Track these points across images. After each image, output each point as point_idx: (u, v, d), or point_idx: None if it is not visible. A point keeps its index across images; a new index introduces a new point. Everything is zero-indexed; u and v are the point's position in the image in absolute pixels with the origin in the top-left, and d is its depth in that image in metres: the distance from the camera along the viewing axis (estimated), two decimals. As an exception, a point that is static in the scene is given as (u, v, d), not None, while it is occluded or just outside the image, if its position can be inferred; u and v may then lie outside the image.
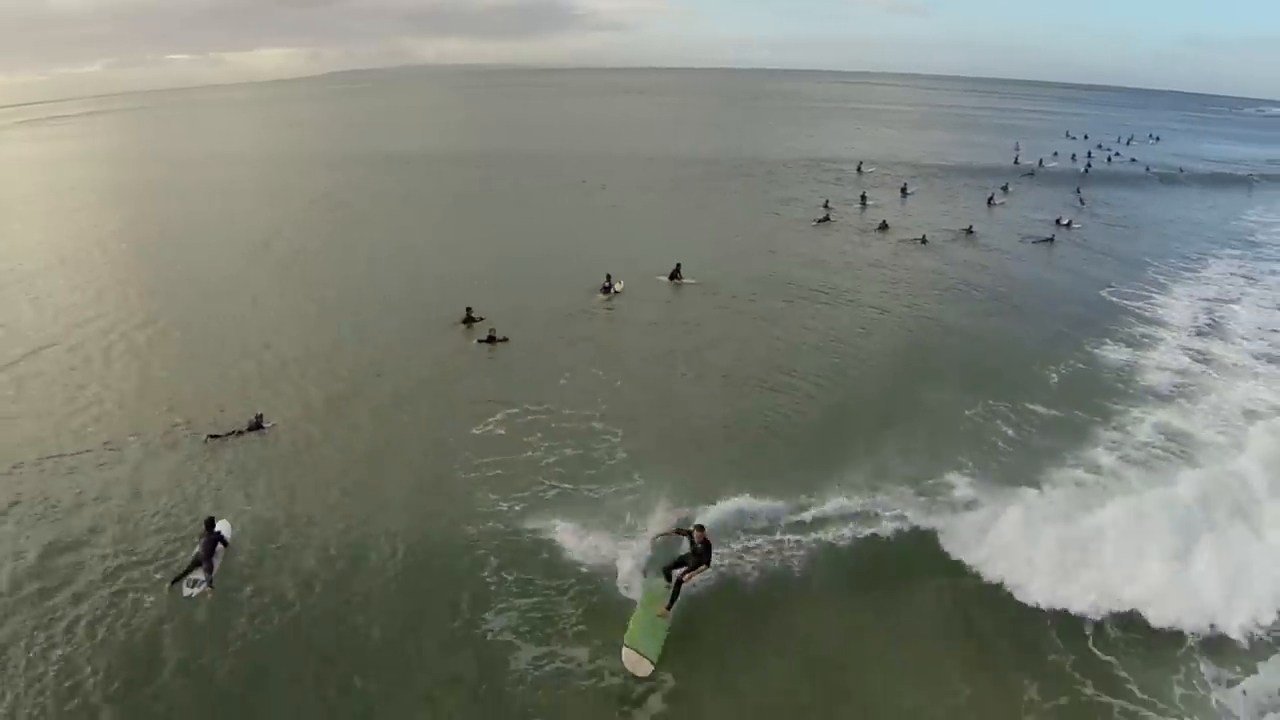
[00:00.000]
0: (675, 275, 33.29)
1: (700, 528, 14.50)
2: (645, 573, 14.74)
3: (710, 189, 56.77)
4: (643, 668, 12.82)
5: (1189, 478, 18.55)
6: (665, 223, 45.98)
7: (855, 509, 16.54)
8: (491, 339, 26.06)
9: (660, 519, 15.82)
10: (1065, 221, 47.10)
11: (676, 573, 14.19)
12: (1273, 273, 39.81)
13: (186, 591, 14.29)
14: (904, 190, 56.53)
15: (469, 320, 27.59)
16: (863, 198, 52.79)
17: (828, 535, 15.84)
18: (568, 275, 33.33)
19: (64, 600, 14.01)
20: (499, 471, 18.26)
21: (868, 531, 15.98)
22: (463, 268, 35.48)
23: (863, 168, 65.56)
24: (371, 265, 36.55)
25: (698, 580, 14.16)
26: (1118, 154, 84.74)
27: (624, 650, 12.97)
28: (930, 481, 17.77)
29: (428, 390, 22.96)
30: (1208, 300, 34.22)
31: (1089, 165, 74.55)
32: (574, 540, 15.43)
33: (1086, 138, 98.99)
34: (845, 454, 18.90)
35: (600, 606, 14.00)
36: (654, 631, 13.38)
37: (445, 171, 63.94)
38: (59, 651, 12.80)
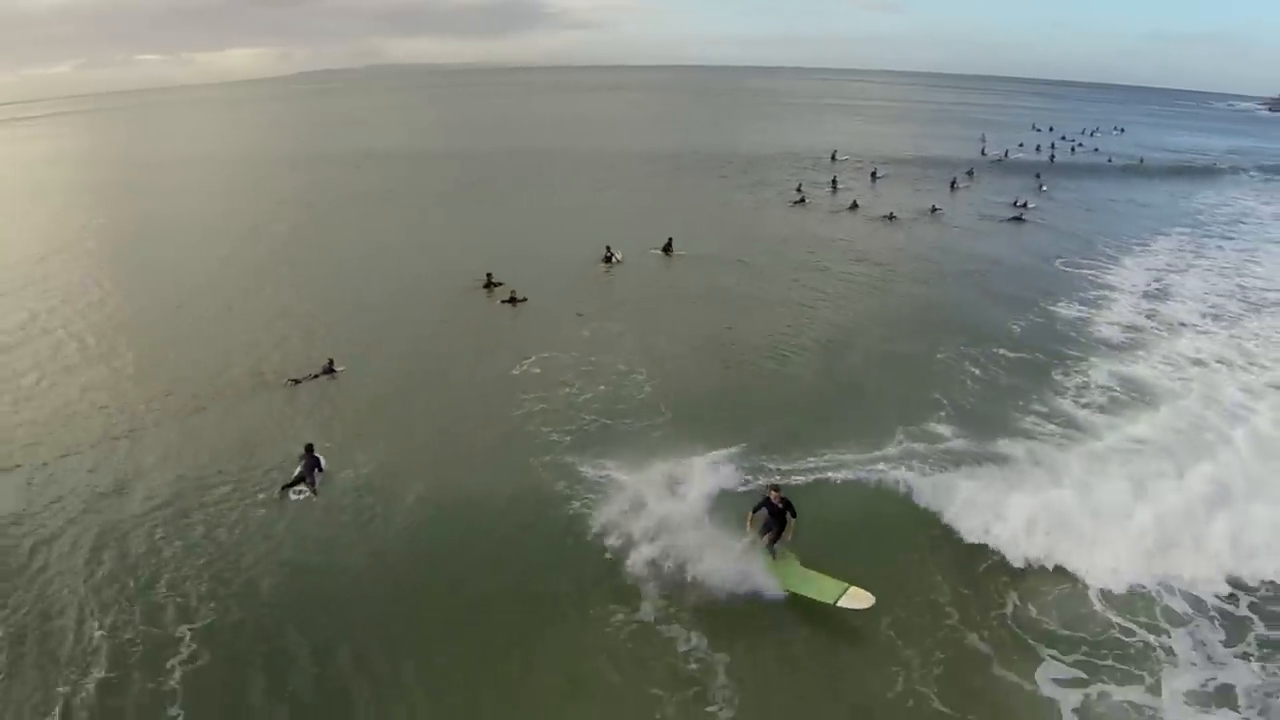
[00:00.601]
0: (667, 249, 36.86)
1: (775, 488, 15.25)
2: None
3: (691, 178, 60.64)
4: (864, 599, 13.74)
5: (1147, 417, 21.66)
6: (651, 208, 49.17)
7: (842, 445, 19.12)
8: (513, 299, 29.42)
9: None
10: (1022, 203, 51.17)
11: (763, 541, 15.00)
12: (1218, 247, 43.98)
13: (293, 497, 17.31)
14: (874, 175, 60.92)
15: (489, 285, 30.89)
16: (834, 182, 57.09)
17: (821, 466, 18.43)
18: (567, 252, 36.66)
19: (191, 508, 16.91)
20: (543, 406, 21.40)
21: (857, 466, 18.38)
22: (465, 248, 38.47)
23: (836, 156, 69.51)
24: (368, 253, 38.96)
25: (790, 537, 14.97)
26: (1080, 144, 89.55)
27: (842, 606, 13.79)
28: (914, 422, 20.56)
29: (464, 341, 26.34)
30: (1156, 269, 38.18)
31: (1053, 155, 78.82)
32: (621, 465, 18.09)
33: (1051, 129, 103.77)
34: (831, 393, 22.86)
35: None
36: (809, 577, 14.53)
37: (427, 169, 65.96)
38: (197, 546, 15.72)
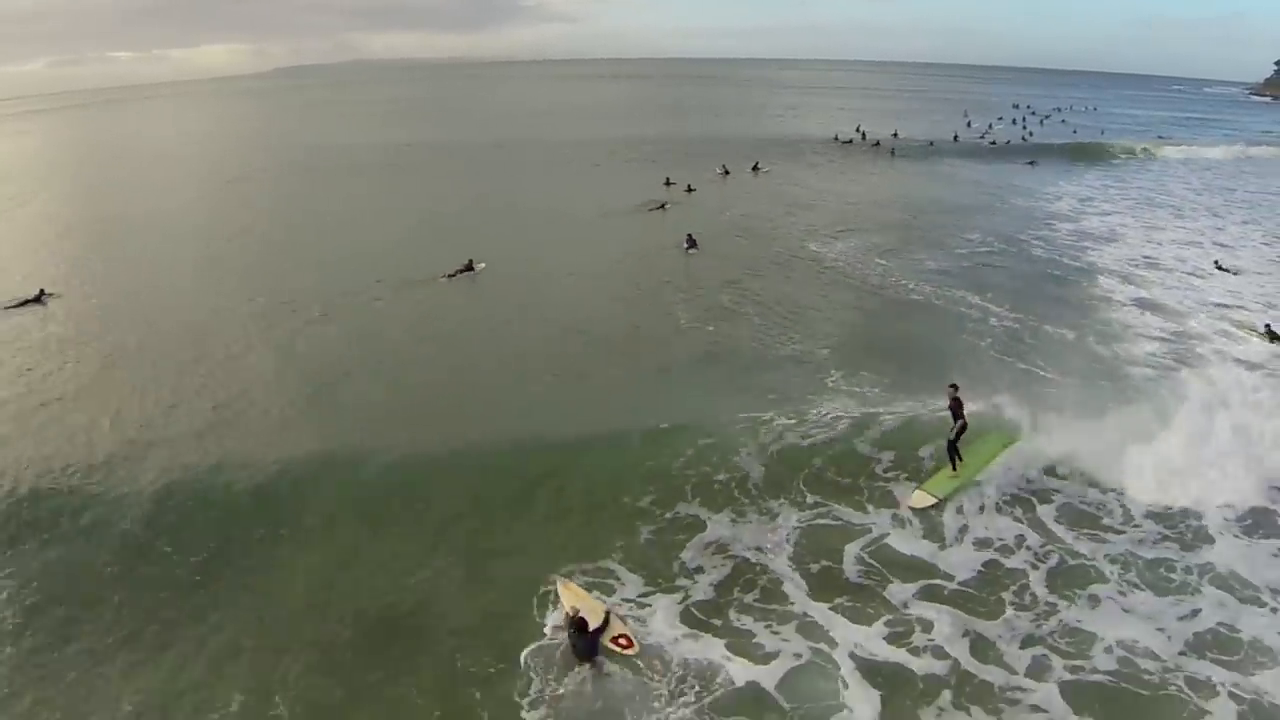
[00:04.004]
0: (755, 168, 63.83)
1: (953, 386, 17.77)
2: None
3: (734, 147, 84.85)
4: (923, 501, 17.15)
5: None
6: (721, 154, 70.86)
7: (919, 250, 45.34)
8: (689, 188, 54.48)
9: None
10: (992, 140, 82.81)
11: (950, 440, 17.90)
12: (1133, 176, 70.75)
13: (689, 253, 40.62)
14: (895, 134, 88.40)
15: (668, 183, 55.76)
16: (862, 132, 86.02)
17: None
18: (690, 171, 60.24)
19: (638, 257, 40.25)
20: (762, 224, 46.65)
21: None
22: (622, 174, 64.06)
23: (861, 127, 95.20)
24: (616, 172, 64.93)
25: (955, 432, 17.94)
26: (1048, 117, 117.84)
27: (915, 492, 17.31)
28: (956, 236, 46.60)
29: (689, 202, 52.00)
30: (1089, 185, 64.69)
31: (1026, 126, 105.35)
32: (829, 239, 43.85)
33: (1029, 106, 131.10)
34: (912, 218, 49.01)
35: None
36: (946, 483, 17.77)
37: (541, 148, 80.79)
38: (652, 271, 40.98)
